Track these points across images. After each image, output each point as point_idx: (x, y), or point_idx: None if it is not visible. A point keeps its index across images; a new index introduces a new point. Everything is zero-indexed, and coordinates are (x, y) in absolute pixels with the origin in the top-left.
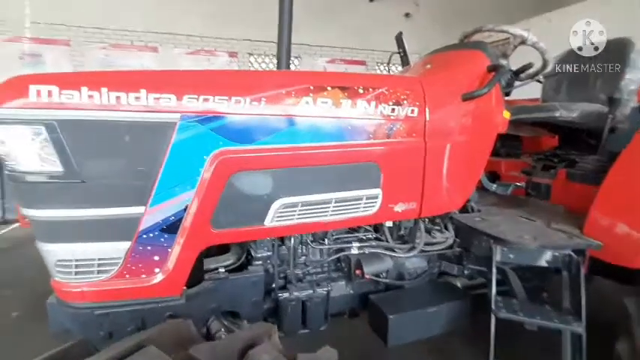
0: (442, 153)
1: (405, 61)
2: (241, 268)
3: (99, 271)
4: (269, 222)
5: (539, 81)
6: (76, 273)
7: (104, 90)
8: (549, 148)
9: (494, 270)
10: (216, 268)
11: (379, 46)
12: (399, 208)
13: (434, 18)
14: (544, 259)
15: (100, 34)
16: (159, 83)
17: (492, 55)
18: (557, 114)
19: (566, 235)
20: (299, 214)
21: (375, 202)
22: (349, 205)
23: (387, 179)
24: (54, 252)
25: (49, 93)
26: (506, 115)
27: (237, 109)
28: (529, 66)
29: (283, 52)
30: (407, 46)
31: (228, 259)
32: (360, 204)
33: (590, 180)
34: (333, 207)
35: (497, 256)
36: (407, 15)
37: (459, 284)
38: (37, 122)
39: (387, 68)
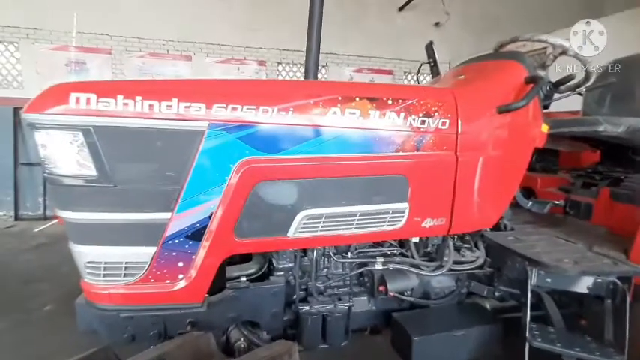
0: (474, 167)
1: (435, 71)
2: (263, 277)
3: (125, 275)
4: (292, 233)
5: (579, 93)
6: (104, 275)
7: (138, 98)
8: (589, 164)
9: (529, 294)
10: (238, 277)
11: (408, 55)
12: (426, 223)
13: (465, 27)
14: (585, 286)
15: (139, 43)
16: (190, 92)
17: (530, 65)
18: (600, 128)
19: (610, 261)
20: (323, 227)
21: (402, 216)
22: (374, 218)
23: (415, 193)
24: (85, 253)
25: (88, 100)
26: (545, 128)
27: (265, 119)
28: (570, 77)
29: (311, 62)
30: (437, 56)
31: (250, 268)
32: (385, 218)
33: (637, 200)
34: (358, 220)
35: (533, 280)
36: (437, 24)
37: (488, 306)
38: (75, 128)
39: (415, 78)
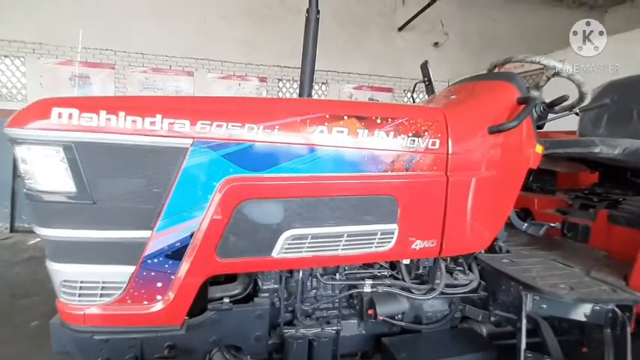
0: (466, 188)
1: (429, 90)
2: (247, 298)
3: (102, 295)
4: (277, 253)
5: (576, 113)
6: (80, 295)
7: (121, 114)
8: (587, 185)
9: (523, 320)
10: (221, 298)
11: (407, 74)
12: (416, 245)
13: (463, 47)
14: (582, 313)
15: (142, 58)
16: (174, 109)
17: (522, 86)
18: (596, 150)
19: (609, 287)
20: (309, 247)
21: (391, 237)
22: (363, 239)
23: (405, 214)
24: (61, 272)
25: (70, 115)
26: (539, 149)
27: (250, 137)
28: (564, 98)
29: (306, 79)
30: (432, 75)
31: (234, 289)
32: (374, 239)
33: (636, 224)
34: (346, 241)
35: (528, 306)
36: (436, 44)
37: (484, 331)
38: (56, 143)
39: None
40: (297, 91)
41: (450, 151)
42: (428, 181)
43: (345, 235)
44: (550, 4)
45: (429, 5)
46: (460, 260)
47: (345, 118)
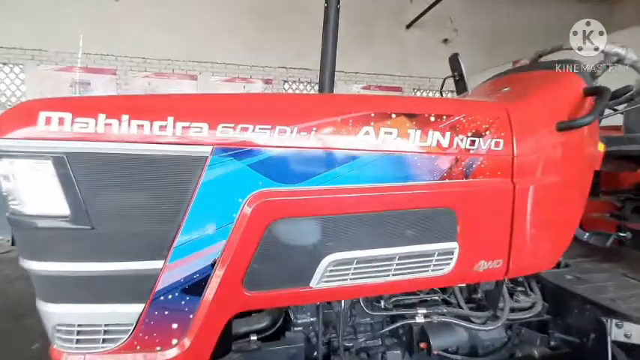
0: (535, 196)
1: (460, 85)
2: (277, 333)
3: (104, 340)
4: (316, 283)
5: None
6: (78, 341)
7: (125, 117)
8: (630, 185)
9: (609, 352)
10: (247, 334)
11: (416, 72)
12: (479, 267)
13: (473, 44)
14: None
15: (144, 63)
16: (189, 109)
17: (586, 75)
18: None
19: None
20: (354, 274)
21: (450, 259)
22: (417, 262)
23: (465, 230)
24: (54, 314)
25: (61, 120)
26: (601, 147)
27: (282, 141)
28: (628, 89)
29: (326, 75)
30: (464, 69)
31: (261, 322)
32: (430, 261)
33: None
34: (397, 265)
35: (616, 335)
36: (445, 41)
37: (536, 353)
38: (43, 155)
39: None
40: (304, 93)
41: (515, 153)
42: (491, 189)
43: (397, 257)
44: None
45: (438, 1)
46: (520, 279)
47: (393, 116)
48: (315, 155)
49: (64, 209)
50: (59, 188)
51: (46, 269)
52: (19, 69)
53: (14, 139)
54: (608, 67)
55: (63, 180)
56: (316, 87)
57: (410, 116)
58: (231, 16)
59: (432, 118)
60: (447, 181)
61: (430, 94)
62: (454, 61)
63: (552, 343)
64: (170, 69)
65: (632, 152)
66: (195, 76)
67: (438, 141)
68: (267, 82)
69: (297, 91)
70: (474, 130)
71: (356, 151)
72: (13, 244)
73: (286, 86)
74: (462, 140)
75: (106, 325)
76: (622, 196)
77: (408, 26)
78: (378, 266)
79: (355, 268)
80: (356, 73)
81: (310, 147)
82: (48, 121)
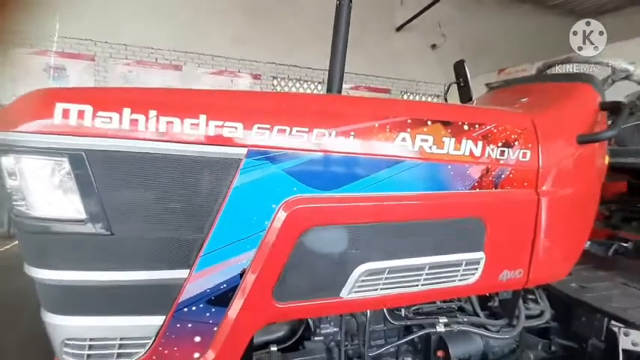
0: (556, 207)
1: (464, 92)
2: (296, 342)
3: (120, 355)
4: (347, 293)
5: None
6: (89, 357)
7: (152, 113)
8: (614, 195)
9: (620, 358)
10: (266, 344)
11: (405, 75)
12: (503, 276)
13: (459, 50)
14: None
15: (126, 50)
16: (223, 107)
17: (601, 89)
18: None
19: None
20: (384, 284)
21: (477, 268)
22: (446, 272)
23: (492, 239)
24: (63, 327)
25: (80, 114)
26: (607, 160)
27: (320, 145)
28: (633, 104)
29: (336, 75)
30: (470, 76)
31: (280, 331)
32: (458, 271)
33: None
34: (427, 274)
35: (625, 343)
36: (433, 46)
37: (531, 357)
38: (60, 152)
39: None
40: (292, 90)
41: (540, 164)
42: (518, 200)
43: (427, 267)
44: (542, 11)
45: (428, 7)
46: (531, 288)
47: (429, 123)
48: (352, 161)
49: (79, 213)
50: (75, 189)
51: (56, 278)
52: None
53: (25, 132)
54: (614, 81)
55: (80, 180)
56: (305, 84)
57: (445, 123)
58: (221, 7)
59: (466, 127)
60: (477, 190)
61: (417, 98)
62: (459, 67)
63: (553, 348)
64: (153, 57)
65: (625, 164)
66: (179, 66)
67: (471, 150)
68: (255, 77)
69: (286, 88)
70: (504, 140)
71: (393, 158)
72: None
73: (275, 82)
74: (492, 150)
75: (121, 339)
76: (610, 206)
77: (398, 29)
78: (408, 276)
79: (386, 278)
80: (346, 73)
81: (348, 152)
82: (66, 114)
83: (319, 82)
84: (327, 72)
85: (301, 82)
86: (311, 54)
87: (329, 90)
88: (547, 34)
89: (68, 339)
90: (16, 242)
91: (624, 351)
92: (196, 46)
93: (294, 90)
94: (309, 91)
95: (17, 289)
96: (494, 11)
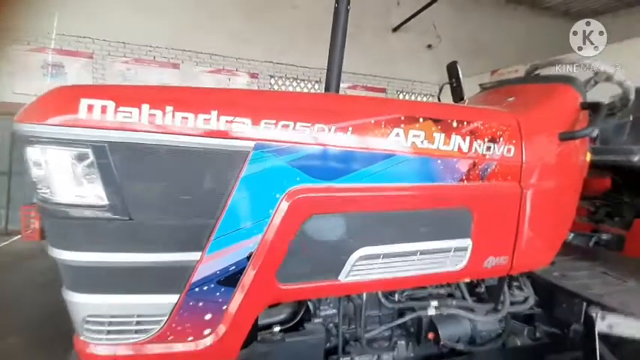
0: (538, 199)
1: (457, 92)
2: (297, 324)
3: (137, 331)
4: (344, 276)
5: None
6: (109, 332)
7: (169, 109)
8: (599, 191)
9: (597, 342)
10: (269, 326)
11: (401, 74)
12: (488, 263)
13: (455, 50)
14: None
15: (124, 48)
16: (233, 104)
17: (582, 90)
18: (635, 158)
19: None
20: (379, 268)
21: (464, 254)
22: (436, 258)
23: (479, 228)
24: (85, 305)
25: (104, 109)
26: (588, 157)
27: (320, 139)
28: (613, 104)
29: (333, 75)
30: (462, 77)
31: (281, 314)
32: (447, 257)
33: None
34: (418, 260)
35: (601, 326)
36: (429, 46)
37: (517, 343)
38: (85, 144)
39: (409, 98)
40: (289, 89)
41: (524, 159)
42: (503, 192)
43: (418, 253)
44: (536, 13)
45: (424, 8)
46: (516, 276)
47: (421, 120)
48: (349, 154)
49: (101, 199)
50: (98, 178)
51: (79, 259)
52: None
53: (53, 125)
54: (596, 83)
55: (103, 169)
56: (302, 83)
57: (435, 121)
58: (219, 6)
59: (455, 124)
60: (465, 183)
61: (413, 97)
62: (452, 68)
63: (538, 334)
64: (151, 56)
65: (607, 161)
66: (177, 64)
67: (459, 145)
68: (253, 75)
69: (283, 87)
70: (490, 137)
71: (387, 152)
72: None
73: (272, 81)
74: (479, 146)
75: (138, 316)
76: (596, 202)
77: (395, 30)
78: (401, 261)
79: (381, 263)
80: (344, 72)
81: (346, 146)
82: (90, 109)
83: (316, 81)
84: (323, 71)
85: (298, 80)
86: (308, 53)
87: (327, 89)
88: (540, 35)
89: (90, 316)
90: (13, 239)
91: (600, 334)
92: (194, 44)
93: (291, 89)
94: (306, 89)
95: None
96: (489, 13)
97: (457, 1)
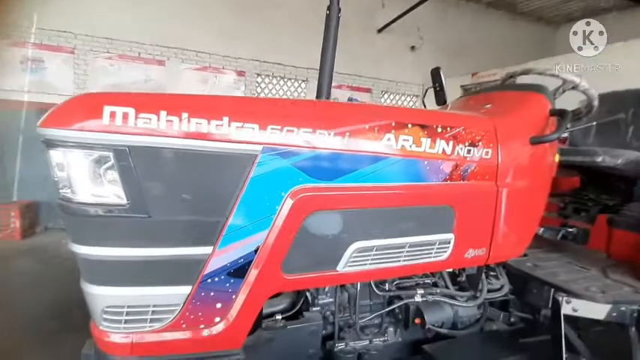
0: (511, 197)
1: (440, 96)
2: (296, 313)
3: (152, 320)
4: (342, 267)
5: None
6: (126, 322)
7: (185, 115)
8: (568, 189)
9: (562, 324)
10: (272, 314)
11: (386, 75)
12: (468, 254)
13: (437, 52)
14: (610, 314)
15: (108, 44)
16: (242, 111)
17: (552, 98)
18: (599, 159)
19: (631, 289)
20: (373, 259)
21: (447, 247)
22: (422, 250)
23: (460, 223)
24: (104, 296)
25: (125, 115)
26: (557, 158)
27: (321, 143)
28: (579, 111)
29: (325, 80)
30: (445, 82)
31: (282, 304)
32: (432, 249)
33: (637, 228)
34: (407, 252)
35: (566, 309)
36: (412, 48)
37: (495, 327)
38: (107, 148)
39: (394, 98)
40: (276, 87)
41: (499, 161)
42: (481, 191)
43: (407, 245)
44: (514, 18)
45: (408, 11)
46: (492, 266)
47: (410, 126)
48: (347, 156)
49: (121, 198)
50: (119, 179)
51: (99, 254)
52: None
53: (78, 130)
54: (564, 91)
55: (123, 171)
56: (289, 82)
57: (422, 126)
58: (206, 3)
59: (439, 129)
60: (448, 182)
61: (397, 98)
62: (436, 73)
63: (512, 319)
64: (136, 52)
65: (579, 163)
66: (163, 61)
67: (443, 149)
68: (240, 74)
69: (270, 85)
70: (470, 141)
71: (380, 154)
72: None
73: (259, 80)
74: (461, 149)
75: (154, 306)
76: (565, 199)
77: (380, 30)
78: (392, 253)
79: (374, 255)
80: None
81: (344, 149)
82: (112, 115)
83: (303, 80)
84: (311, 70)
85: (285, 79)
86: (295, 52)
87: (319, 95)
88: (517, 40)
89: (108, 307)
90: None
91: (565, 316)
92: (180, 41)
93: (277, 87)
94: (292, 88)
95: None
96: (470, 17)
97: (440, 5)
